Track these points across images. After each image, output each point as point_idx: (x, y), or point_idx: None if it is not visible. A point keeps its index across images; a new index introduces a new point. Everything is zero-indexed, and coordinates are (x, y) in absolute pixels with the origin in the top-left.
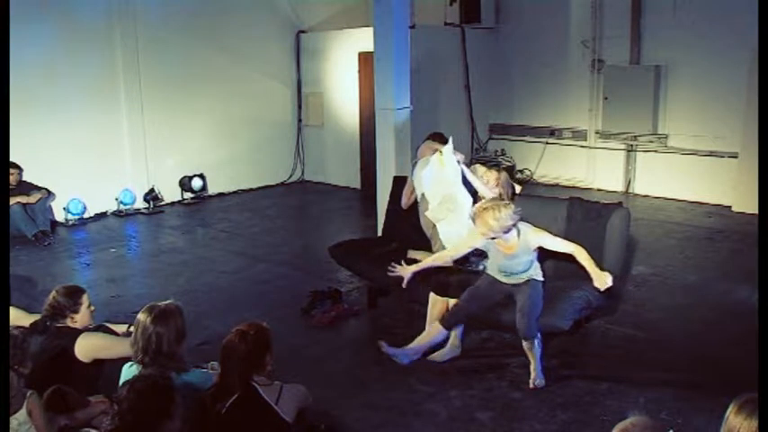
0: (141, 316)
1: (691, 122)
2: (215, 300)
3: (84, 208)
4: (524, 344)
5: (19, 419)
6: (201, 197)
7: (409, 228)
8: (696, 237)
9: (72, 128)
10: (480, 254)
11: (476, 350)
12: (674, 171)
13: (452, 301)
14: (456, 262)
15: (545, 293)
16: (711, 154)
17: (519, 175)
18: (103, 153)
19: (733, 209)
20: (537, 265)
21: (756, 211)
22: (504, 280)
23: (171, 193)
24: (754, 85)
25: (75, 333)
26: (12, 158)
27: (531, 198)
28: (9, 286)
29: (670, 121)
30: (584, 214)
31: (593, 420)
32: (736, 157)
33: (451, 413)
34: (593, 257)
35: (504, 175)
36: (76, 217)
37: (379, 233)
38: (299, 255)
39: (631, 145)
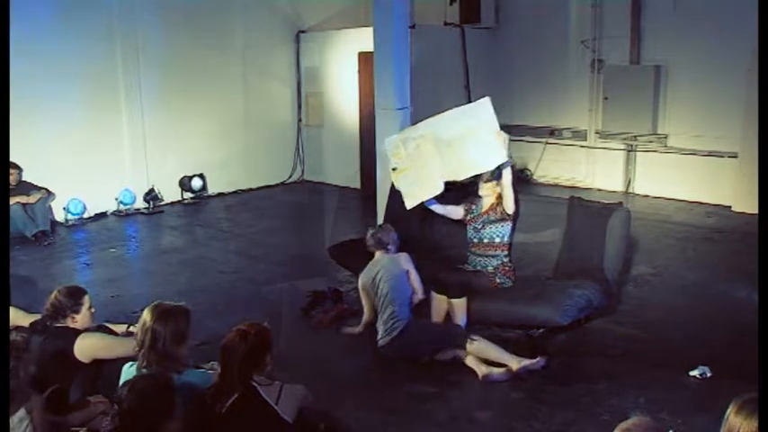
0: (145, 311)
1: (690, 122)
2: (215, 300)
3: (84, 208)
4: None
5: (16, 417)
6: (201, 197)
7: (409, 226)
8: (696, 237)
9: (72, 128)
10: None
11: None
12: (674, 171)
13: (453, 301)
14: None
15: (546, 290)
16: (711, 154)
17: (518, 175)
18: (103, 153)
19: (733, 209)
20: None
21: (756, 211)
22: None
23: (171, 193)
24: (754, 85)
25: (75, 333)
26: (11, 158)
27: (531, 199)
28: (9, 286)
29: (670, 120)
30: (584, 215)
31: (593, 420)
32: (735, 156)
33: (452, 413)
34: (586, 257)
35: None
36: (76, 217)
37: None
38: (298, 255)
39: (631, 145)
